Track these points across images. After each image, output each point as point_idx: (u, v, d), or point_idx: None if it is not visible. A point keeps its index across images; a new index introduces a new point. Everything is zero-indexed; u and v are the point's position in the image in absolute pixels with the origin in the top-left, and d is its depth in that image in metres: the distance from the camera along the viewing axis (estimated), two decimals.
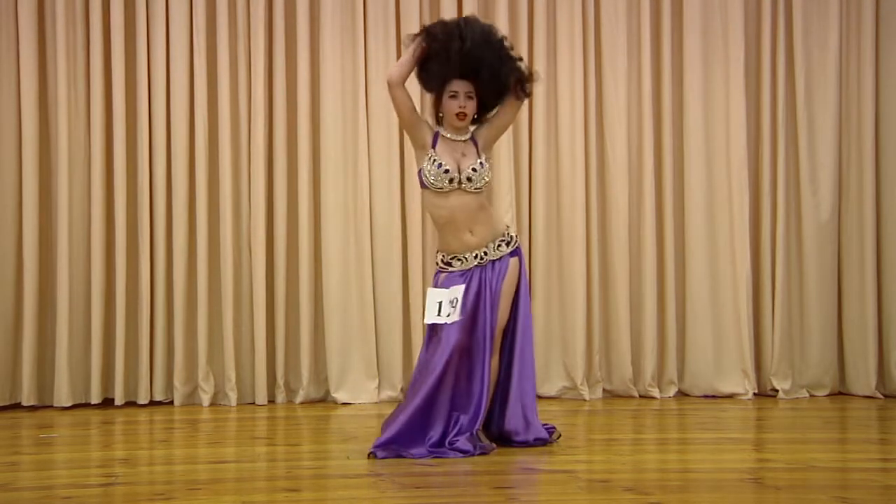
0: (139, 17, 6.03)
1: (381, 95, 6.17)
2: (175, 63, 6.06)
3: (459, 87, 4.18)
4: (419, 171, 4.22)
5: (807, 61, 6.35)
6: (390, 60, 6.17)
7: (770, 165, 6.35)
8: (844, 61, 6.41)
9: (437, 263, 4.31)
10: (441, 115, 4.25)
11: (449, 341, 4.08)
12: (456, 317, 4.09)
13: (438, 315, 4.13)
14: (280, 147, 6.13)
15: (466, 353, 4.11)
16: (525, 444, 4.20)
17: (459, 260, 4.22)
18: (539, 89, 6.23)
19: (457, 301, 4.11)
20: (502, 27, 6.20)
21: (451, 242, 4.23)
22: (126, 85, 6.02)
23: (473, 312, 4.14)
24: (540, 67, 6.24)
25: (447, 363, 4.06)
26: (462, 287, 4.14)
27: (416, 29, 6.06)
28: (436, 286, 4.24)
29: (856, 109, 6.39)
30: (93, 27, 6.00)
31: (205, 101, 6.07)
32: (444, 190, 4.17)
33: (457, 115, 4.17)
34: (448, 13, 6.17)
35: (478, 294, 4.16)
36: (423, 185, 4.23)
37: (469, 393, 4.10)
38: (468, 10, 6.18)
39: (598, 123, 6.32)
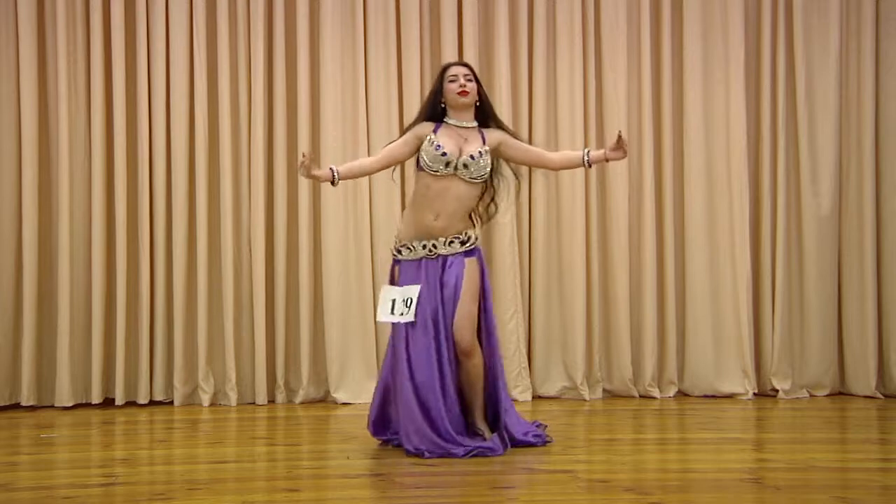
0: (139, 17, 6.03)
1: (380, 95, 6.18)
2: (175, 63, 6.06)
3: (457, 70, 4.24)
4: (417, 157, 4.22)
5: (807, 61, 6.35)
6: (390, 60, 6.18)
7: (770, 165, 6.35)
8: (844, 61, 6.41)
9: (391, 249, 4.29)
10: (444, 104, 4.24)
11: (397, 339, 4.10)
12: (410, 317, 4.06)
13: (392, 314, 4.11)
14: (280, 147, 6.13)
15: (429, 387, 4.04)
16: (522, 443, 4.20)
17: (409, 249, 4.19)
18: (539, 89, 6.26)
19: (411, 301, 4.08)
20: (502, 28, 6.22)
21: (410, 225, 4.20)
22: (126, 85, 6.03)
23: (434, 319, 4.07)
24: (540, 67, 6.26)
25: (419, 399, 4.04)
26: (417, 287, 4.10)
27: (415, 29, 6.13)
28: (392, 282, 4.23)
29: (856, 109, 6.39)
30: (93, 27, 6.00)
31: (205, 101, 6.07)
32: (439, 174, 4.15)
33: (458, 93, 4.18)
34: (448, 14, 6.18)
35: (434, 298, 4.10)
36: (419, 168, 4.22)
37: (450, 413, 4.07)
38: (468, 12, 6.20)
39: (598, 123, 6.32)
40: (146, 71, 6.03)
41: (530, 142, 6.28)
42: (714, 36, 6.36)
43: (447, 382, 4.06)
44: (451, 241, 4.17)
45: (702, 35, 6.36)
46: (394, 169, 4.47)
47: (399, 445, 4.18)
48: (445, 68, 4.30)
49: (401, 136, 4.34)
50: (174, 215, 6.04)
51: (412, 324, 4.08)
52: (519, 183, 4.42)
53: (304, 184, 6.10)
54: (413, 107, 6.12)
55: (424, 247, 4.16)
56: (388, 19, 6.20)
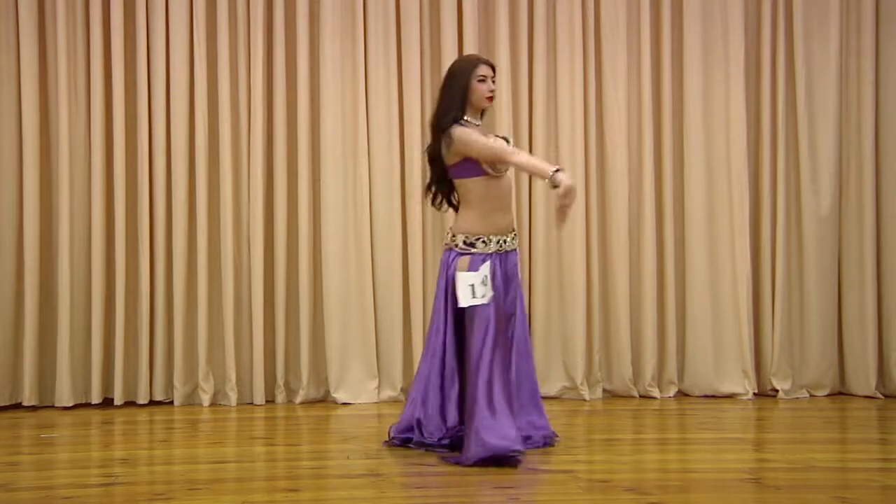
0: (139, 16, 6.03)
1: (380, 95, 6.18)
2: (175, 63, 6.06)
3: (487, 72, 4.20)
4: (468, 167, 4.15)
5: (807, 61, 6.36)
6: (390, 60, 6.17)
7: (770, 165, 6.36)
8: (844, 61, 6.41)
9: (456, 246, 4.20)
10: (465, 102, 4.20)
11: (483, 318, 4.05)
12: (490, 293, 4.08)
13: (474, 297, 4.08)
14: (280, 147, 6.13)
15: (504, 325, 4.12)
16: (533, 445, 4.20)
17: (484, 242, 4.18)
18: (539, 89, 6.26)
19: (487, 279, 4.09)
20: (502, 28, 6.21)
21: (482, 224, 4.18)
22: (126, 85, 6.02)
23: (498, 303, 4.12)
24: (540, 67, 6.26)
25: (493, 343, 4.04)
26: (488, 264, 4.12)
27: (415, 28, 6.12)
28: (448, 268, 4.18)
29: (856, 109, 6.39)
30: (93, 27, 6.00)
31: (205, 100, 6.07)
32: (501, 174, 4.18)
33: (487, 97, 4.18)
34: (448, 14, 6.18)
35: (510, 290, 4.18)
36: (475, 175, 4.15)
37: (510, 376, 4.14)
38: (468, 12, 6.19)
39: (598, 123, 6.32)
40: (146, 71, 6.03)
41: (531, 142, 6.30)
42: (714, 36, 6.36)
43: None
44: (514, 237, 4.29)
45: (702, 35, 6.36)
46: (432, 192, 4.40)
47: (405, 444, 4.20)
48: (476, 64, 4.22)
49: (479, 138, 4.18)
50: (174, 215, 6.04)
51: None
52: None
53: (303, 184, 6.09)
54: (413, 106, 6.14)
55: (498, 242, 4.19)
56: (388, 19, 6.20)
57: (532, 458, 3.98)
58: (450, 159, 4.19)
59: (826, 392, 6.35)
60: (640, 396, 6.23)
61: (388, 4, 6.18)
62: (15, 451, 4.53)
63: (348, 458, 4.06)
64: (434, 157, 4.27)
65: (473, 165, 4.15)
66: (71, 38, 6.01)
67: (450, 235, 4.26)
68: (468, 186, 4.20)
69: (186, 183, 6.06)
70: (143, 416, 5.64)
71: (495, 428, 3.86)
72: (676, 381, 6.34)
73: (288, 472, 3.87)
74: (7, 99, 5.97)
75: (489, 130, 4.58)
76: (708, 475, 3.70)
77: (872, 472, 3.79)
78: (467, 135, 4.11)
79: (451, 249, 4.22)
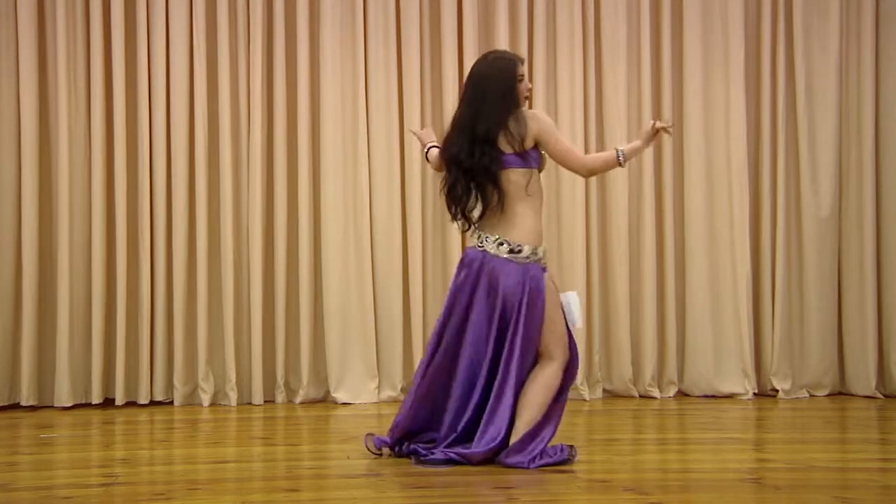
0: (139, 17, 6.03)
1: (381, 95, 6.18)
2: (175, 63, 6.06)
3: (524, 71, 3.96)
4: (534, 154, 3.87)
5: (807, 61, 6.36)
6: (390, 60, 6.17)
7: (770, 165, 6.36)
8: (844, 61, 6.42)
9: (542, 260, 3.87)
10: (513, 104, 3.91)
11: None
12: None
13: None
14: (280, 147, 6.13)
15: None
16: None
17: (543, 255, 3.92)
18: (539, 89, 6.26)
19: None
20: (502, 27, 6.22)
21: (538, 234, 3.88)
22: (126, 85, 6.02)
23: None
24: (540, 67, 6.26)
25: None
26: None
27: (415, 28, 6.12)
28: (538, 285, 3.83)
29: (856, 109, 6.39)
30: (93, 27, 6.00)
31: (205, 100, 6.07)
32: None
33: (526, 97, 3.95)
34: (448, 14, 6.18)
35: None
36: (535, 167, 3.88)
37: None
38: (468, 12, 6.19)
39: (598, 123, 6.32)
40: (146, 71, 6.03)
41: None
42: (714, 36, 6.36)
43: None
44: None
45: (702, 35, 6.36)
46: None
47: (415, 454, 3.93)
48: (515, 64, 3.92)
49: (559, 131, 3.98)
50: (174, 215, 6.04)
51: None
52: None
53: (303, 184, 6.09)
54: (413, 106, 6.14)
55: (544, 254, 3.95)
56: (389, 19, 6.20)
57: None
58: (523, 145, 3.82)
59: (826, 392, 6.35)
60: (640, 396, 6.23)
61: (388, 5, 6.19)
62: (15, 451, 4.53)
63: (348, 458, 4.06)
64: (478, 164, 3.81)
65: (537, 154, 3.88)
66: (71, 38, 6.01)
67: (509, 247, 3.81)
68: (525, 179, 3.84)
69: (186, 183, 6.06)
70: (143, 416, 5.64)
71: None
72: (676, 381, 6.34)
73: (288, 472, 3.87)
74: (7, 99, 5.97)
75: None
76: (708, 475, 3.70)
77: (872, 472, 3.79)
78: (551, 123, 3.90)
79: (534, 264, 3.81)
